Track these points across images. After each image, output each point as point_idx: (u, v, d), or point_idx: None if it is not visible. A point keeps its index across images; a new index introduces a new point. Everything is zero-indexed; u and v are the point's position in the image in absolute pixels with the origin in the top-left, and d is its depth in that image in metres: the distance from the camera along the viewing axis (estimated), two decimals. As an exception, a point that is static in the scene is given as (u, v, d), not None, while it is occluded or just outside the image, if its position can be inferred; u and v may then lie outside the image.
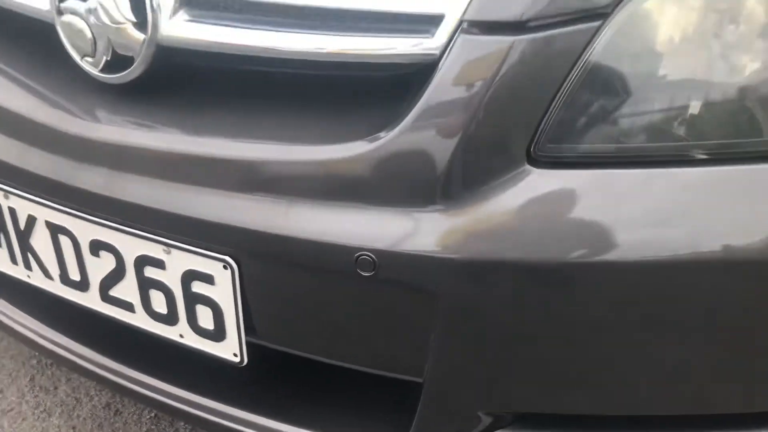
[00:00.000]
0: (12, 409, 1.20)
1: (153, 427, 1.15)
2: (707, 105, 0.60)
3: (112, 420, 1.17)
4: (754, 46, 0.60)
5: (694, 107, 0.60)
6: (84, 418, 1.17)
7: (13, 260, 0.86)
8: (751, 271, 0.59)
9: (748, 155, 0.60)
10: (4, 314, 0.97)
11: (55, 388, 1.24)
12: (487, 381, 0.69)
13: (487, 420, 0.70)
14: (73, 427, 1.15)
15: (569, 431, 0.72)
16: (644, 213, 0.59)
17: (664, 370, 0.65)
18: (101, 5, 0.70)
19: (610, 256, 0.59)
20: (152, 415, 1.17)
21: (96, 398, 1.21)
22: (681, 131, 0.59)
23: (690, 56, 0.60)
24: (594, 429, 0.72)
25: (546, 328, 0.64)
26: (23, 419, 1.17)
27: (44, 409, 1.19)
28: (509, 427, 0.72)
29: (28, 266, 0.85)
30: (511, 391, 0.69)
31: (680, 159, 0.59)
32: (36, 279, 0.85)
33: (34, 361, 1.29)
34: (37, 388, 1.23)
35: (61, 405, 1.19)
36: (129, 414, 1.18)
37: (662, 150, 0.60)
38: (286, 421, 0.78)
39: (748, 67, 0.60)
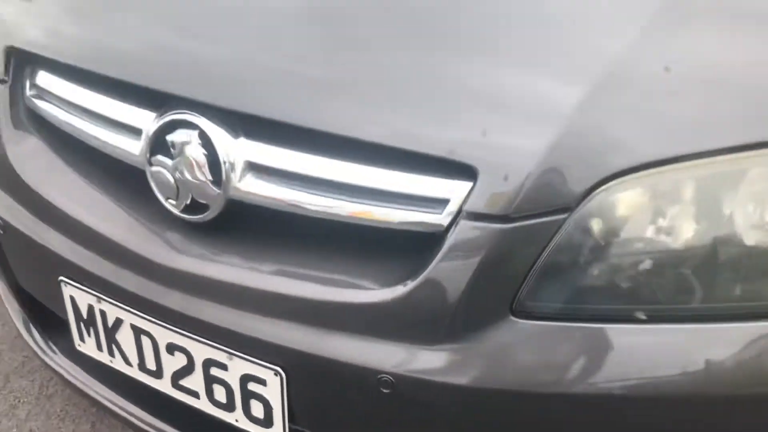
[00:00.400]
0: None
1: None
2: (649, 274, 0.79)
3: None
4: (688, 225, 0.80)
5: (637, 277, 0.79)
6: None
7: (99, 348, 1.06)
8: (681, 406, 0.79)
9: (681, 317, 0.79)
10: (83, 383, 1.18)
11: (113, 435, 1.44)
12: None
13: None
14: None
15: None
16: (588, 357, 0.79)
17: None
18: (185, 165, 0.91)
19: (563, 388, 0.79)
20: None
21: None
22: (625, 297, 0.79)
23: (634, 236, 0.79)
24: None
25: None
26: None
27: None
28: None
29: (111, 354, 1.05)
30: None
31: (624, 318, 0.79)
32: (117, 364, 1.06)
33: (94, 409, 1.50)
34: (98, 435, 1.44)
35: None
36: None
37: (606, 311, 0.79)
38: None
39: (684, 242, 0.79)
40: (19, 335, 1.31)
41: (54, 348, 1.24)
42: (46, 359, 1.23)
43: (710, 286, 0.80)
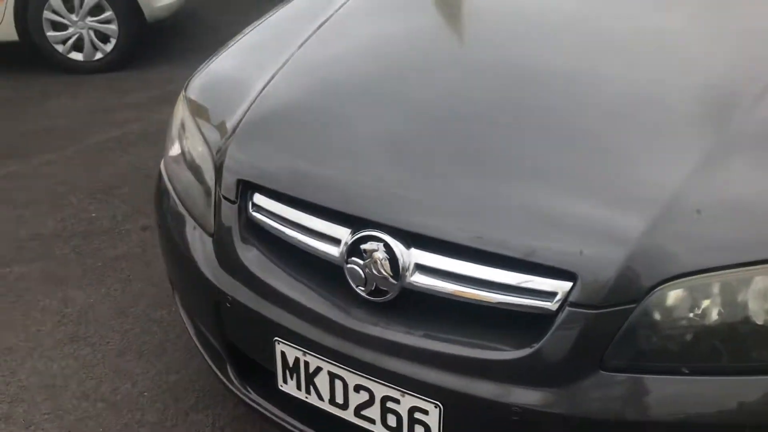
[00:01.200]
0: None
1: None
2: (689, 343, 1.21)
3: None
4: (714, 310, 1.21)
5: (682, 345, 1.21)
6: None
7: (299, 388, 1.51)
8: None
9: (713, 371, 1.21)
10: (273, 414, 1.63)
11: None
12: None
13: None
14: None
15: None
16: (647, 399, 1.20)
17: None
18: (372, 265, 1.36)
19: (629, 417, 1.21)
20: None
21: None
22: (674, 358, 1.20)
23: (679, 318, 1.21)
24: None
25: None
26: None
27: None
28: None
29: (308, 392, 1.50)
30: None
31: (673, 372, 1.20)
32: (312, 399, 1.50)
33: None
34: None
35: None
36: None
37: (660, 367, 1.21)
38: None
39: (712, 322, 1.21)
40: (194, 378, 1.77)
41: (249, 389, 1.69)
42: (244, 398, 1.69)
43: (732, 351, 1.21)
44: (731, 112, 1.44)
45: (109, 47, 4.97)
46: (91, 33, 4.93)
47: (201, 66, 2.04)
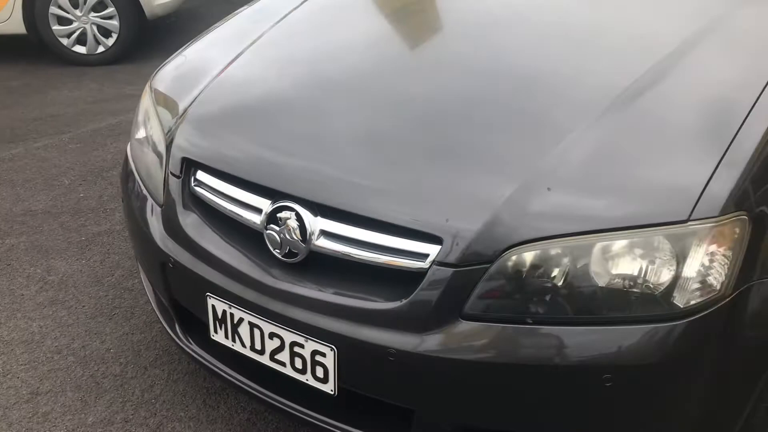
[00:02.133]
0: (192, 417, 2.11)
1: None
2: (535, 298, 1.45)
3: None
4: (558, 272, 1.45)
5: (528, 299, 1.44)
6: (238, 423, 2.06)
7: (227, 337, 1.76)
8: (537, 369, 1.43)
9: (553, 322, 1.44)
10: (212, 365, 1.88)
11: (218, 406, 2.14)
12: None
13: None
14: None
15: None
16: (498, 342, 1.44)
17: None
18: (287, 231, 1.61)
19: (485, 358, 1.44)
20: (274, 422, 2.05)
21: (242, 414, 2.10)
22: (520, 310, 1.44)
23: (527, 277, 1.45)
24: None
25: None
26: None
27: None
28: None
29: (234, 340, 1.75)
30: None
31: (519, 321, 1.44)
32: (236, 347, 1.75)
33: (205, 390, 2.20)
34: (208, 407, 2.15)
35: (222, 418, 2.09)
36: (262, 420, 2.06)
37: (510, 317, 1.45)
38: (350, 424, 1.65)
39: (555, 282, 1.45)
40: (157, 338, 2.03)
41: (190, 340, 1.94)
42: (185, 348, 1.94)
43: (575, 306, 1.45)
44: (603, 103, 1.67)
45: (110, 41, 5.26)
46: (94, 28, 5.22)
47: (167, 59, 2.31)
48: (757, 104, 1.60)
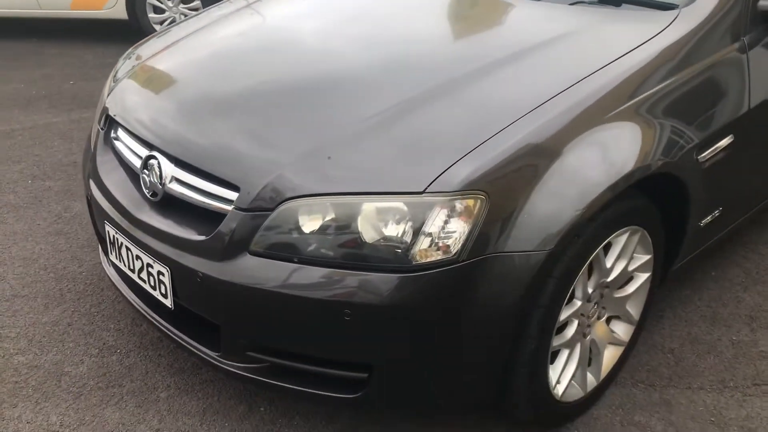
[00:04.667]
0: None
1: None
2: (297, 242, 1.79)
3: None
4: (321, 224, 1.79)
5: (296, 243, 1.79)
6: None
7: (117, 258, 2.23)
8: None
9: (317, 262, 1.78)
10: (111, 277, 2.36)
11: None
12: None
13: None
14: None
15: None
16: (272, 273, 1.79)
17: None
18: (152, 176, 2.04)
19: (258, 284, 1.80)
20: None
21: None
22: (290, 251, 1.79)
23: (297, 227, 1.80)
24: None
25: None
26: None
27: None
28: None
29: (120, 260, 2.21)
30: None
31: (288, 260, 1.79)
32: (122, 266, 2.21)
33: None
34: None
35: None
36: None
37: (283, 256, 1.79)
38: (182, 331, 2.05)
39: (317, 234, 1.79)
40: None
41: (108, 263, 2.44)
42: (105, 269, 2.44)
43: (339, 253, 1.77)
44: (391, 101, 1.97)
45: (195, 30, 5.97)
46: (182, 17, 5.95)
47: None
48: (517, 123, 1.84)
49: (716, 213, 2.40)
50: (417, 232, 1.72)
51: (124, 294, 2.30)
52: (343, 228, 1.77)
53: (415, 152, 1.82)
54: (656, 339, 2.55)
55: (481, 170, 1.74)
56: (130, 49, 2.80)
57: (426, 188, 1.72)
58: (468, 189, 1.72)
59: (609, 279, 2.09)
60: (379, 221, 1.75)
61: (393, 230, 1.74)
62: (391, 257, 1.74)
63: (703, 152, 2.16)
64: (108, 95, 2.48)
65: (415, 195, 1.72)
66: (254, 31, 2.64)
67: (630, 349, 2.35)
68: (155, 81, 2.40)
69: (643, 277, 2.22)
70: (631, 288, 2.21)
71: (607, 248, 2.03)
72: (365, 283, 1.74)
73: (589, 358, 2.20)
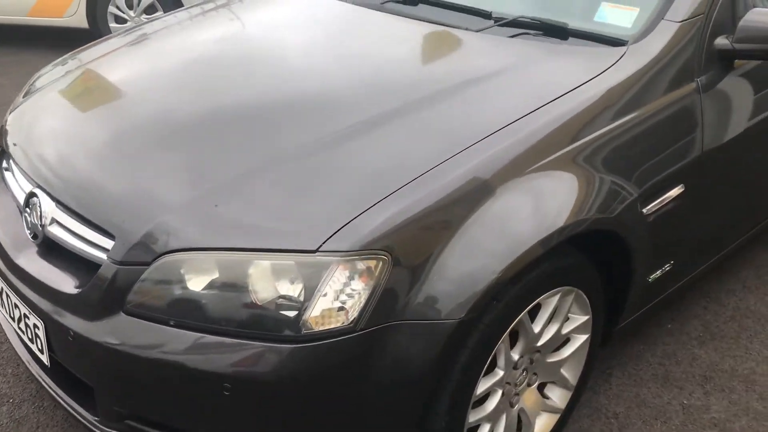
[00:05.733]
0: None
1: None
2: (174, 302, 1.57)
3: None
4: (206, 279, 1.57)
5: (166, 303, 1.57)
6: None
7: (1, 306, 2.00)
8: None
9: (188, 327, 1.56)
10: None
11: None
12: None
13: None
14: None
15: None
16: (144, 337, 1.57)
17: None
18: (33, 218, 1.82)
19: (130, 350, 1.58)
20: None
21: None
22: (163, 312, 1.57)
23: (180, 284, 1.58)
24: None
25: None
26: None
27: None
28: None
29: (1, 305, 1.99)
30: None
31: (165, 322, 1.57)
32: (5, 314, 1.99)
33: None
34: None
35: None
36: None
37: (157, 317, 1.57)
38: (62, 389, 1.82)
39: (201, 289, 1.57)
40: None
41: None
42: None
43: (222, 317, 1.55)
44: (290, 147, 1.75)
45: (157, 42, 5.76)
46: (144, 28, 5.74)
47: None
48: (432, 171, 1.63)
49: (667, 267, 2.20)
50: (310, 297, 1.51)
51: (10, 339, 2.08)
52: (226, 289, 1.55)
53: (312, 202, 1.61)
54: (601, 401, 2.34)
55: (386, 227, 1.53)
56: (56, 60, 2.58)
57: (320, 246, 1.51)
58: (369, 248, 1.51)
59: (539, 343, 1.88)
60: (266, 283, 1.53)
61: (282, 294, 1.52)
62: (279, 325, 1.52)
63: (648, 204, 1.96)
64: (9, 114, 2.25)
65: (307, 254, 1.51)
66: (170, 56, 2.42)
67: (568, 414, 2.14)
68: (53, 105, 2.18)
69: (581, 339, 2.02)
70: (567, 351, 2.00)
71: (537, 309, 1.83)
72: (249, 354, 1.52)
73: (519, 430, 1.98)
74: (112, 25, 5.74)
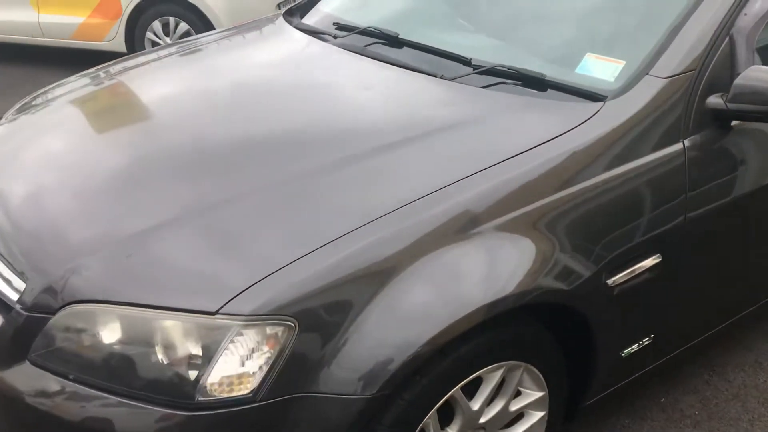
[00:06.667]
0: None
1: None
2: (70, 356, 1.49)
3: None
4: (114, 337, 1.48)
5: (74, 356, 1.49)
6: None
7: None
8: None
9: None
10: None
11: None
12: None
13: None
14: None
15: None
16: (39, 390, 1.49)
17: None
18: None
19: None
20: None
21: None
22: (67, 365, 1.49)
23: (78, 333, 1.49)
24: None
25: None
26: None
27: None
28: None
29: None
30: None
31: (63, 375, 1.49)
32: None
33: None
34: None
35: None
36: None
37: (58, 371, 1.49)
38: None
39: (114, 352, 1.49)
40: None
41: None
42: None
43: (122, 374, 1.47)
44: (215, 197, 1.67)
45: (190, 68, 5.84)
46: (178, 55, 5.83)
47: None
48: (359, 230, 1.52)
49: (645, 341, 2.01)
50: (207, 362, 1.41)
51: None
52: (126, 346, 1.47)
53: (226, 258, 1.52)
54: (570, 483, 2.15)
55: (296, 291, 1.43)
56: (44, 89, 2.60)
57: (220, 308, 1.41)
58: (274, 313, 1.41)
59: (482, 420, 1.72)
60: (164, 344, 1.44)
61: (179, 356, 1.43)
62: (175, 390, 1.43)
63: (616, 275, 1.79)
64: None
65: (207, 315, 1.41)
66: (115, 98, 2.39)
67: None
68: (8, 137, 2.17)
69: (536, 416, 1.85)
70: (520, 428, 1.84)
71: (477, 383, 1.68)
72: (141, 420, 1.43)
73: None
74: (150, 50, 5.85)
